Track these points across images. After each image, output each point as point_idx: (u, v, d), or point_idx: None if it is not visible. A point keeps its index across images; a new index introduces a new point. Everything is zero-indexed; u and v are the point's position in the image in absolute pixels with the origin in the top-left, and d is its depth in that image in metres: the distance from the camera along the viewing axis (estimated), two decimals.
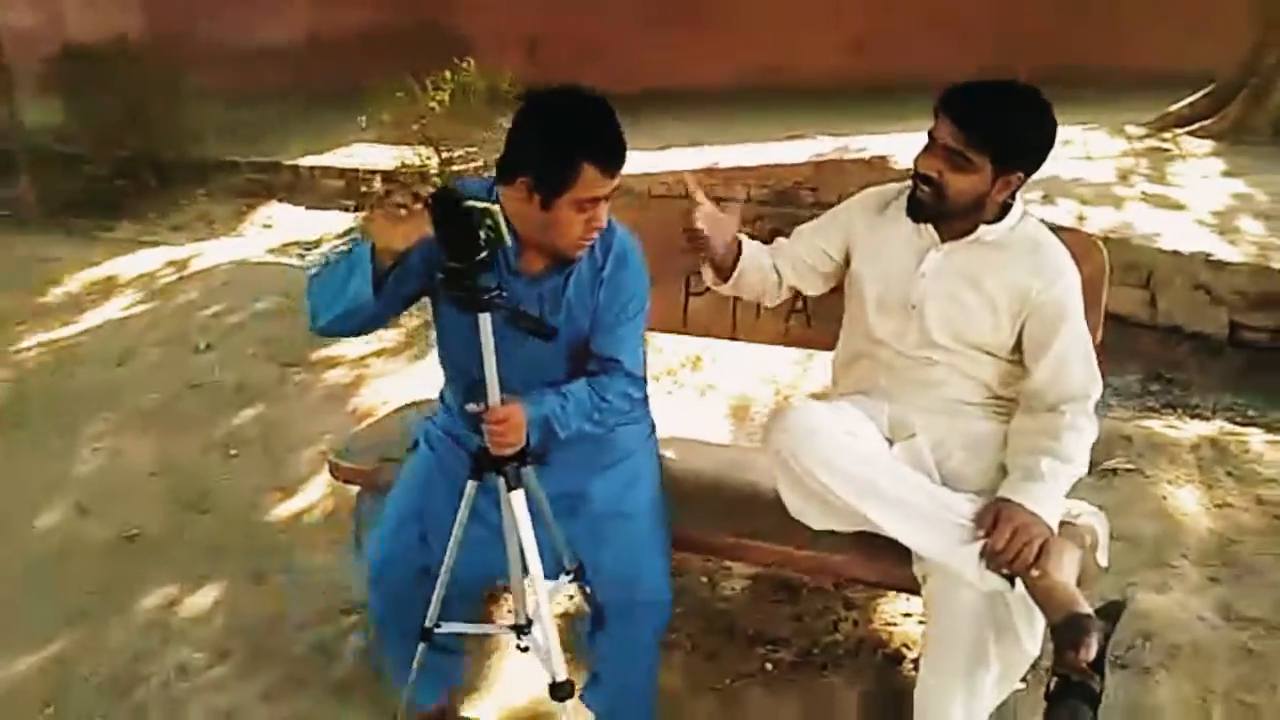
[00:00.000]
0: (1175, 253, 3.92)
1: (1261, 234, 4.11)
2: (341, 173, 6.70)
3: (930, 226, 1.86)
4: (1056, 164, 5.14)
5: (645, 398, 1.95)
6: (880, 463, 1.78)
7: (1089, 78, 6.69)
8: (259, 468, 3.18)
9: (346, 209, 6.38)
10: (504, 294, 1.53)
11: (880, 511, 1.72)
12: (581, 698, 1.89)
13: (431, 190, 1.51)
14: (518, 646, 1.84)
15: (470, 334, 1.58)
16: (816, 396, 3.02)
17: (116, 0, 10.14)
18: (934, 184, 1.78)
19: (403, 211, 1.57)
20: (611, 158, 1.63)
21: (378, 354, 3.85)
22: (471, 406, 1.60)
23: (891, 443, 1.87)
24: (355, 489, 2.31)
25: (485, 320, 1.54)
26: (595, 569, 1.80)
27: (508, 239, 1.50)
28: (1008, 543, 1.64)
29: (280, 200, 6.81)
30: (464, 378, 1.82)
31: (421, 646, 1.79)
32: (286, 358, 3.90)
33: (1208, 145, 5.46)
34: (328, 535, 2.77)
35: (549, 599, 1.70)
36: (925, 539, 1.72)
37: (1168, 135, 5.68)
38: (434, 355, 3.67)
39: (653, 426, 2.04)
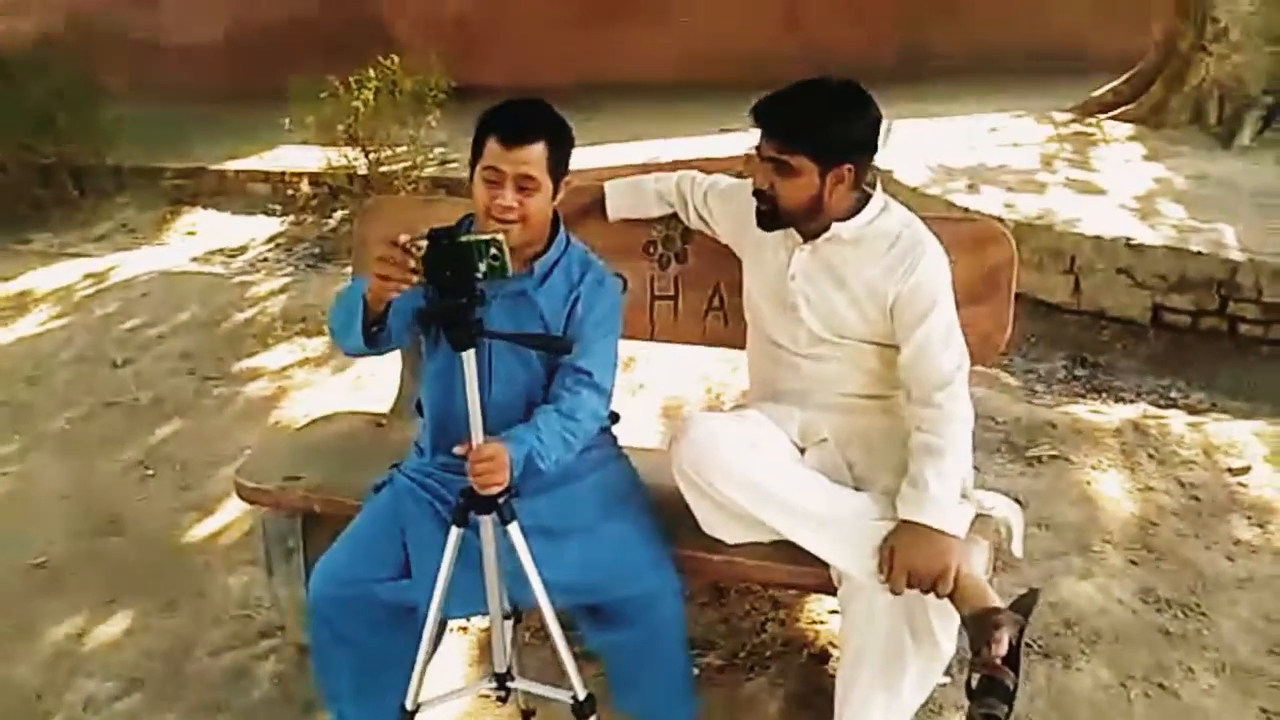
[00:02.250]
0: (1098, 237, 3.99)
1: (1181, 216, 4.20)
2: (267, 176, 6.53)
3: (791, 229, 1.86)
4: (982, 152, 5.22)
5: (610, 428, 1.95)
6: (782, 471, 1.76)
7: (1003, 63, 6.79)
8: (175, 487, 3.07)
9: (272, 213, 6.23)
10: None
11: (783, 521, 1.72)
12: (614, 702, 1.90)
13: (422, 234, 1.51)
14: (498, 698, 1.81)
15: (452, 371, 1.64)
16: (745, 395, 3.00)
17: (24, 2, 9.77)
18: (767, 196, 1.80)
19: (391, 268, 1.55)
20: (508, 131, 1.71)
21: (301, 364, 3.75)
22: (458, 449, 1.59)
23: (804, 450, 1.86)
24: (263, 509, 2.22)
25: (469, 357, 1.53)
26: (587, 584, 1.77)
27: (510, 268, 1.49)
28: (906, 583, 1.64)
29: (204, 206, 6.61)
30: (442, 417, 1.84)
31: None
32: (207, 370, 3.78)
33: (1130, 130, 5.56)
34: (244, 556, 2.68)
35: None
36: (830, 547, 1.71)
37: (1091, 121, 5.77)
38: (357, 366, 3.64)
39: (618, 450, 2.01)
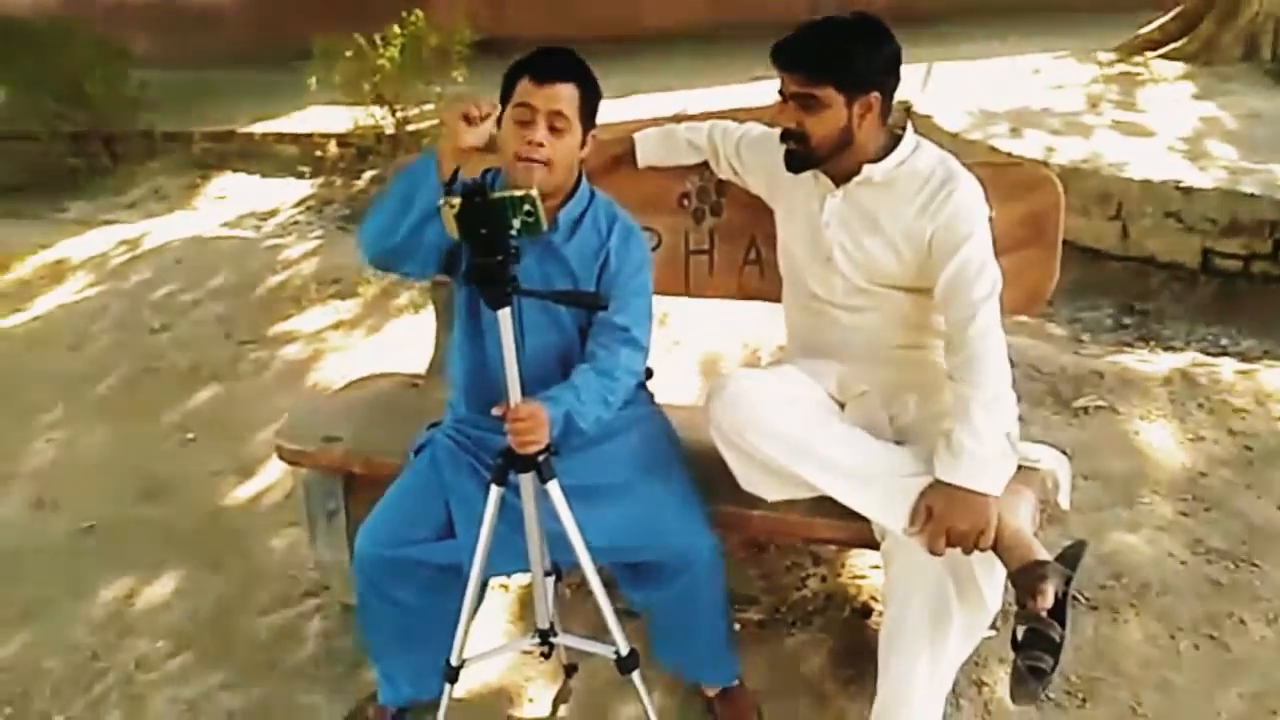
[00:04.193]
0: (1146, 181, 3.86)
1: (1232, 157, 4.05)
2: (296, 138, 6.53)
3: (821, 174, 1.81)
4: (1025, 94, 5.06)
5: (645, 384, 1.93)
6: (820, 427, 1.73)
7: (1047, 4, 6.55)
8: (216, 451, 3.11)
9: (301, 175, 6.22)
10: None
11: (822, 477, 1.69)
12: (655, 657, 1.95)
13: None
14: (541, 654, 1.82)
15: (481, 329, 1.71)
16: (783, 349, 2.96)
17: None
18: (796, 134, 1.76)
19: (474, 111, 1.62)
20: (540, 68, 1.69)
21: (335, 327, 3.76)
22: (495, 410, 1.57)
23: (843, 405, 1.83)
24: (304, 471, 2.23)
25: (505, 316, 1.51)
26: (625, 543, 1.76)
27: (544, 224, 1.47)
28: (945, 543, 1.61)
29: (234, 170, 6.63)
30: (475, 376, 1.82)
31: (447, 688, 1.77)
32: (243, 335, 3.80)
33: (1179, 68, 5.36)
34: (287, 517, 2.70)
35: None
36: (869, 503, 1.68)
37: (1139, 59, 5.57)
38: (391, 327, 3.64)
39: (654, 407, 2.00)
